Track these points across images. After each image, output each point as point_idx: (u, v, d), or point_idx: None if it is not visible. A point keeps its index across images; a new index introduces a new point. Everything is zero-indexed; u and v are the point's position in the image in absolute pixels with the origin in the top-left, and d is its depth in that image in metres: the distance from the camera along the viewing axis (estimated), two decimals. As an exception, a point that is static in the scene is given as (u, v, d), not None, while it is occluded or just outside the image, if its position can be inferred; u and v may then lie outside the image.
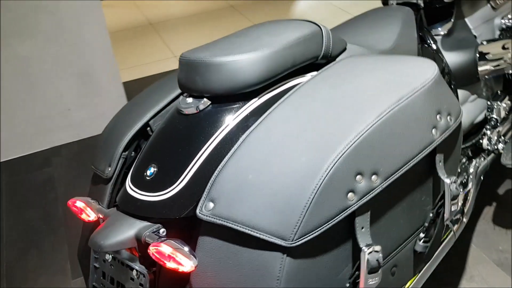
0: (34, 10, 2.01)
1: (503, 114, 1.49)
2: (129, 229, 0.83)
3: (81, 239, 1.07)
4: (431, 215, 0.89)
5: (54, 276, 1.63)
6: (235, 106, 0.88)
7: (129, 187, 0.89)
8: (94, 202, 0.97)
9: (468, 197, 1.32)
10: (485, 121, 1.51)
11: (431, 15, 1.46)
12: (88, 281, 0.97)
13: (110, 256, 0.91)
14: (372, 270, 0.74)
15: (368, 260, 0.74)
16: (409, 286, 1.02)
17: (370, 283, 0.75)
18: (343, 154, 0.73)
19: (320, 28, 0.98)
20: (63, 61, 2.17)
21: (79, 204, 0.95)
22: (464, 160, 1.46)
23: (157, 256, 0.76)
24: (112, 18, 3.88)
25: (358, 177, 0.74)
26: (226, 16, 3.71)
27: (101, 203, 0.98)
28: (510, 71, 1.44)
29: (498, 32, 1.56)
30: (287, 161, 0.74)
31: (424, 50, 1.36)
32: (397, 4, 1.43)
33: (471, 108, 1.48)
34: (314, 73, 0.95)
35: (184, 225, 0.85)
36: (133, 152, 1.01)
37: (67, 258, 1.69)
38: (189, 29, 3.56)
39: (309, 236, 0.70)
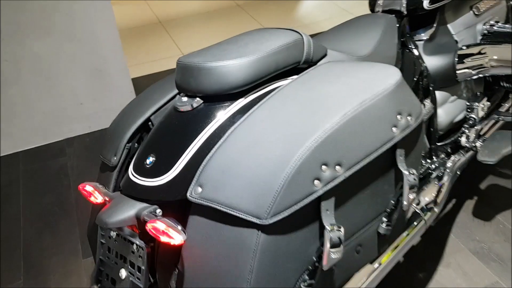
0: (50, 11, 2.16)
1: (481, 114, 1.60)
2: (130, 209, 0.96)
3: (90, 219, 1.21)
4: (392, 202, 1.02)
5: (66, 255, 1.78)
6: (224, 104, 1.01)
7: (131, 174, 1.02)
8: (101, 187, 1.11)
9: (442, 189, 1.44)
10: (465, 120, 1.62)
11: (415, 21, 1.58)
12: (95, 255, 1.11)
13: (114, 233, 1.05)
14: (334, 246, 0.87)
15: (330, 237, 0.87)
16: (383, 263, 1.15)
17: (332, 256, 0.88)
18: (310, 147, 0.86)
19: (302, 36, 1.11)
20: (76, 58, 2.32)
21: (88, 188, 1.09)
22: (442, 155, 1.58)
23: (153, 231, 0.90)
24: (123, 16, 4.03)
25: (324, 167, 0.87)
26: (233, 15, 3.84)
27: (107, 187, 1.12)
28: (487, 74, 1.55)
29: (480, 37, 1.66)
30: (264, 152, 0.87)
31: (405, 55, 1.48)
32: (382, 11, 1.55)
33: (451, 108, 1.60)
34: (295, 76, 1.08)
35: (178, 206, 0.99)
36: (136, 144, 1.15)
37: (78, 240, 1.85)
38: (197, 27, 3.69)
39: (280, 215, 0.84)
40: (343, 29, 1.43)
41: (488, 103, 1.70)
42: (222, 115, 1.00)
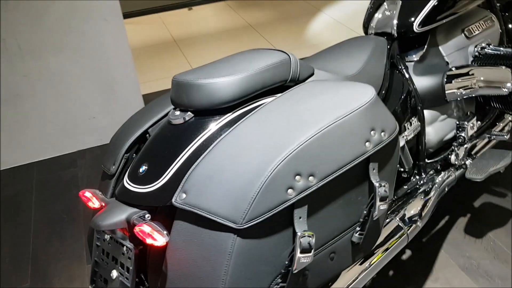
0: (65, 29, 2.31)
1: (470, 132, 1.65)
2: (122, 214, 1.04)
3: (90, 225, 1.30)
4: (365, 212, 1.08)
5: (72, 260, 1.87)
6: (213, 118, 1.09)
7: (126, 181, 1.11)
8: (99, 193, 1.19)
9: (428, 204, 1.48)
10: (455, 138, 1.67)
11: (407, 43, 1.65)
12: (91, 256, 1.19)
13: (108, 236, 1.13)
14: (304, 251, 0.94)
15: (301, 242, 0.94)
16: (363, 273, 1.21)
17: (302, 260, 0.94)
18: (284, 158, 0.93)
19: (289, 56, 1.19)
20: (89, 74, 2.45)
21: (87, 194, 1.18)
22: (431, 172, 1.63)
23: (140, 234, 0.98)
24: (140, 35, 4.19)
25: (297, 177, 0.94)
26: (245, 35, 3.96)
27: (106, 194, 1.21)
28: (476, 95, 1.61)
29: (471, 59, 1.72)
30: (243, 163, 0.95)
31: (395, 75, 1.55)
32: (375, 33, 1.63)
33: (440, 126, 1.65)
34: (280, 94, 1.15)
35: (168, 212, 1.07)
36: (134, 154, 1.24)
37: (83, 246, 1.94)
38: (210, 46, 3.82)
39: (254, 221, 0.91)
40: (334, 50, 1.51)
41: (479, 122, 1.75)
42: (210, 128, 1.08)
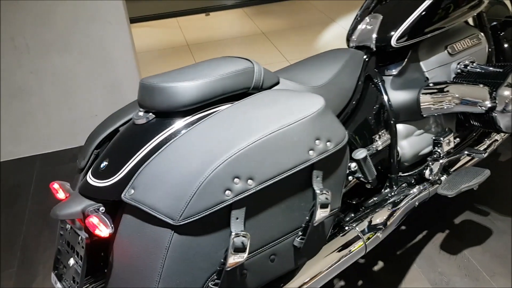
0: (71, 30, 2.42)
1: (446, 148, 1.66)
2: (79, 205, 1.11)
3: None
4: (307, 218, 1.12)
5: (56, 250, 1.96)
6: (173, 120, 1.15)
7: (88, 176, 1.18)
8: (67, 185, 1.27)
9: (394, 216, 1.50)
10: (431, 154, 1.68)
11: (387, 57, 1.68)
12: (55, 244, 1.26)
13: (69, 226, 1.20)
14: (237, 250, 0.98)
15: (234, 242, 0.98)
16: (313, 279, 1.25)
17: (235, 259, 0.99)
18: (224, 161, 0.98)
19: (253, 65, 1.24)
20: (92, 74, 2.55)
21: (55, 185, 1.25)
22: (404, 185, 1.64)
23: (90, 225, 1.04)
24: (155, 38, 4.31)
25: (236, 179, 0.99)
26: (256, 43, 4.02)
27: (74, 187, 1.28)
28: (451, 111, 1.62)
29: (453, 76, 1.73)
30: (186, 164, 1.00)
31: (369, 89, 1.57)
32: (356, 46, 1.66)
33: (416, 141, 1.67)
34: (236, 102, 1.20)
35: (121, 206, 1.13)
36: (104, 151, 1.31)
37: (69, 238, 2.02)
38: (220, 52, 3.90)
39: (190, 219, 0.96)
40: (308, 61, 1.55)
41: (457, 139, 1.76)
42: (168, 129, 1.14)
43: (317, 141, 1.08)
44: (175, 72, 1.23)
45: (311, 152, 1.07)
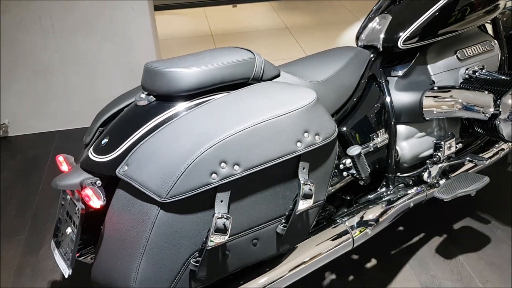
0: (95, 14, 2.50)
1: (447, 152, 1.66)
2: (77, 178, 1.17)
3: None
4: (291, 207, 1.16)
5: (64, 222, 2.06)
6: (172, 104, 1.21)
7: (90, 151, 1.25)
8: (71, 158, 1.34)
9: (386, 214, 1.52)
10: (431, 157, 1.69)
11: (395, 58, 1.69)
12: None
13: (69, 197, 1.27)
14: (219, 231, 1.03)
15: (216, 222, 1.03)
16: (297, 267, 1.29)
17: (217, 240, 1.04)
18: (212, 146, 1.03)
19: (255, 56, 1.28)
20: (114, 58, 2.64)
21: (60, 158, 1.33)
22: (401, 185, 1.66)
23: (85, 196, 1.11)
24: (180, 26, 4.38)
25: (223, 164, 1.04)
26: (280, 37, 4.05)
27: (78, 161, 1.36)
28: (453, 116, 1.62)
29: (461, 81, 1.73)
30: (177, 146, 1.06)
31: (372, 88, 1.59)
32: (364, 46, 1.68)
33: (416, 143, 1.68)
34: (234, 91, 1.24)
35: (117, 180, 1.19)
36: None
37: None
38: (242, 43, 3.94)
39: (176, 197, 1.01)
40: (314, 57, 1.58)
41: (460, 144, 1.76)
42: (167, 112, 1.19)
43: (305, 134, 1.12)
44: (178, 58, 1.28)
45: (298, 143, 1.11)
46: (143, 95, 1.25)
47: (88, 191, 1.10)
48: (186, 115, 1.14)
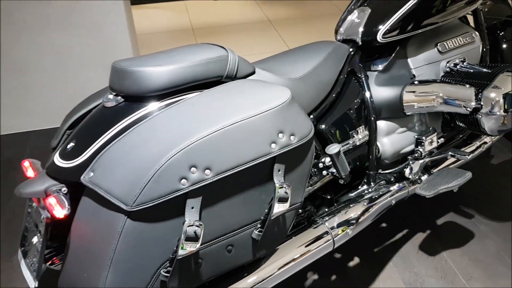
0: (69, 8, 2.42)
1: (428, 148, 1.63)
2: (42, 185, 1.11)
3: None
4: (266, 211, 1.11)
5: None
6: (141, 105, 1.14)
7: (56, 156, 1.18)
8: (37, 164, 1.28)
9: (368, 212, 1.48)
10: (412, 152, 1.66)
11: (374, 52, 1.65)
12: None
13: (35, 205, 1.21)
14: (190, 239, 0.98)
15: (186, 230, 0.98)
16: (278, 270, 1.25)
17: (189, 248, 0.99)
18: (181, 150, 0.98)
19: (228, 53, 1.22)
20: (91, 54, 2.56)
21: (26, 163, 1.26)
22: (382, 182, 1.62)
23: (48, 205, 1.05)
24: (160, 20, 4.29)
25: (193, 169, 0.98)
26: (262, 30, 3.99)
27: (45, 166, 1.29)
28: (434, 110, 1.59)
29: (442, 74, 1.69)
30: (145, 150, 1.00)
31: (351, 83, 1.55)
32: (343, 39, 1.63)
33: (397, 139, 1.64)
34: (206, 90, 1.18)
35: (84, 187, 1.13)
36: None
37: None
38: (225, 37, 3.87)
39: (144, 205, 0.96)
40: (291, 52, 1.53)
41: (442, 139, 1.73)
42: (136, 113, 1.13)
43: (280, 134, 1.07)
44: (148, 56, 1.22)
45: (273, 145, 1.06)
46: (110, 96, 1.19)
47: (51, 200, 1.04)
48: (155, 117, 1.08)
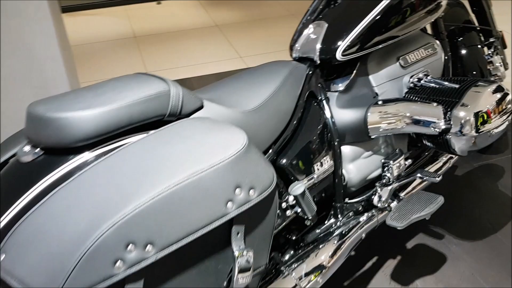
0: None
1: (396, 172, 1.51)
2: None
3: None
4: (225, 284, 0.93)
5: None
6: (66, 158, 0.93)
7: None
8: None
9: (340, 249, 1.34)
10: (379, 178, 1.53)
11: (333, 70, 1.50)
12: None
13: None
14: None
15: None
16: None
17: None
18: (114, 224, 0.77)
19: (169, 88, 1.02)
20: (19, 74, 2.26)
21: None
22: (350, 214, 1.48)
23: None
24: (98, 28, 3.98)
25: (130, 246, 0.78)
26: (209, 36, 3.78)
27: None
28: (401, 132, 1.46)
29: (405, 90, 1.57)
30: (69, 225, 0.79)
31: (312, 107, 1.39)
32: (299, 58, 1.47)
33: (364, 164, 1.50)
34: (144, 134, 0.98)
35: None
36: None
37: None
38: (169, 45, 3.64)
39: (70, 299, 0.75)
40: (242, 77, 1.34)
41: (408, 161, 1.61)
42: (59, 170, 0.92)
43: (237, 190, 0.88)
44: (71, 95, 1.00)
45: (229, 204, 0.88)
46: (27, 148, 0.96)
47: None
48: (81, 176, 0.87)
